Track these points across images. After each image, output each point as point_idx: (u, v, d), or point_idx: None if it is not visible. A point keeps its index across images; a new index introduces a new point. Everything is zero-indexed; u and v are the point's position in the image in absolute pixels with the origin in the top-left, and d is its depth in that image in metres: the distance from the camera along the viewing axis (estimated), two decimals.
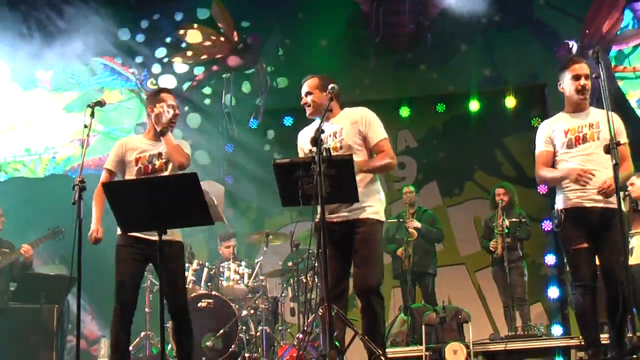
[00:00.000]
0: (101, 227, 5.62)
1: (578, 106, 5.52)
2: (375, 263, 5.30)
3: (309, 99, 5.55)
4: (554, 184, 5.66)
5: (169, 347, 7.11)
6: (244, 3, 11.61)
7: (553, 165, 5.56)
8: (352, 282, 5.37)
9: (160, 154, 5.65)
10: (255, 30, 11.63)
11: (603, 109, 5.22)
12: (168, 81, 11.80)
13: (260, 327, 8.12)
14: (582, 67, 5.48)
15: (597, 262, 5.45)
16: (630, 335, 5.18)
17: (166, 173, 5.59)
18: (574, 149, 5.42)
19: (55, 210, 9.55)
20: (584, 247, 5.32)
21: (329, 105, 5.15)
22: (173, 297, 5.54)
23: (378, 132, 5.44)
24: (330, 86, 5.28)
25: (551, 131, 5.54)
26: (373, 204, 5.35)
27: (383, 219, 5.45)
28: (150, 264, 5.72)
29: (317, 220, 4.98)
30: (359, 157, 5.30)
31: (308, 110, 5.59)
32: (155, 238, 5.15)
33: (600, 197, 5.24)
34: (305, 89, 5.58)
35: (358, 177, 5.14)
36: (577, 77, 5.46)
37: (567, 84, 5.52)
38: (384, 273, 5.39)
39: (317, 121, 5.33)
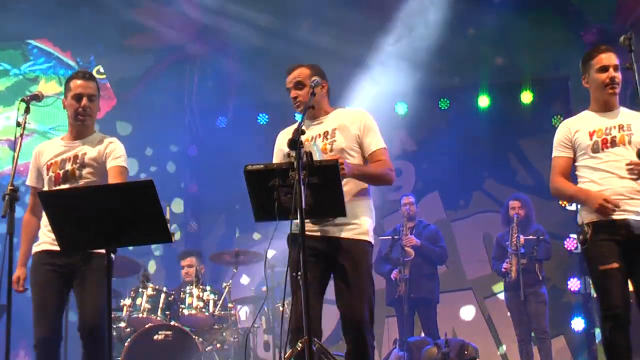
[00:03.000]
0: (25, 270, 5.59)
1: (606, 104, 5.53)
2: (365, 294, 5.27)
3: (299, 92, 5.47)
4: (569, 202, 5.72)
5: None
6: None
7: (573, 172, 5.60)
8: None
9: (75, 157, 5.58)
10: (224, 10, 11.61)
11: (636, 105, 5.23)
12: (120, 69, 11.78)
13: None
14: (610, 57, 5.47)
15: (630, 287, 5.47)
16: None
17: (82, 182, 5.51)
18: (600, 153, 5.43)
19: None
20: (615, 267, 5.29)
21: (310, 100, 5.18)
22: (82, 314, 5.45)
23: (377, 139, 5.46)
24: (312, 79, 5.31)
25: (572, 133, 5.54)
26: (362, 223, 5.33)
27: (373, 240, 5.44)
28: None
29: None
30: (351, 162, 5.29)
31: (298, 107, 5.53)
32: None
33: (633, 209, 5.27)
34: (294, 80, 5.51)
35: (346, 187, 5.15)
36: (604, 69, 5.46)
37: (592, 78, 5.54)
38: (373, 307, 5.40)
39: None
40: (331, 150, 5.34)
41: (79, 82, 5.61)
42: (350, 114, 5.58)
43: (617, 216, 5.29)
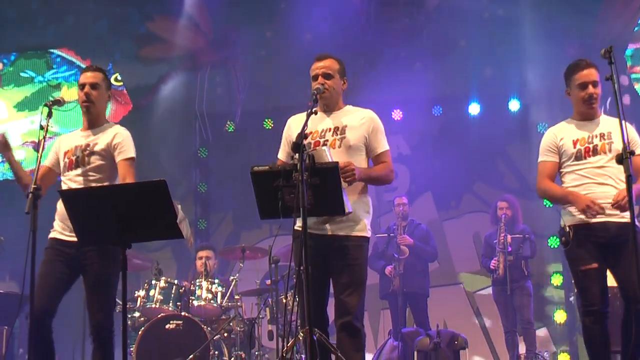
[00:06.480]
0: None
1: (587, 114, 5.56)
2: (361, 287, 5.28)
3: (327, 82, 5.36)
4: (556, 203, 5.70)
5: None
6: None
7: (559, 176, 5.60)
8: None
9: (86, 145, 5.57)
10: (233, 22, 11.62)
11: (615, 115, 5.20)
12: (135, 77, 11.79)
13: (234, 352, 8.10)
14: (590, 74, 5.46)
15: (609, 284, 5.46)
16: None
17: (90, 167, 5.50)
18: (583, 161, 5.44)
19: (4, 220, 9.53)
20: (594, 267, 5.32)
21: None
22: (90, 310, 5.42)
23: (383, 141, 5.49)
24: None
25: (557, 139, 5.56)
26: (361, 219, 5.32)
27: (369, 234, 5.42)
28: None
29: (296, 227, 5.00)
30: (356, 161, 5.26)
31: (320, 97, 5.33)
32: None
33: (611, 212, 5.26)
34: (322, 69, 5.41)
35: (349, 186, 5.15)
36: (583, 86, 5.47)
37: (573, 93, 5.55)
38: (364, 297, 5.36)
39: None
40: (340, 147, 5.31)
41: (83, 74, 5.74)
42: (361, 113, 5.49)
43: (597, 219, 5.30)
